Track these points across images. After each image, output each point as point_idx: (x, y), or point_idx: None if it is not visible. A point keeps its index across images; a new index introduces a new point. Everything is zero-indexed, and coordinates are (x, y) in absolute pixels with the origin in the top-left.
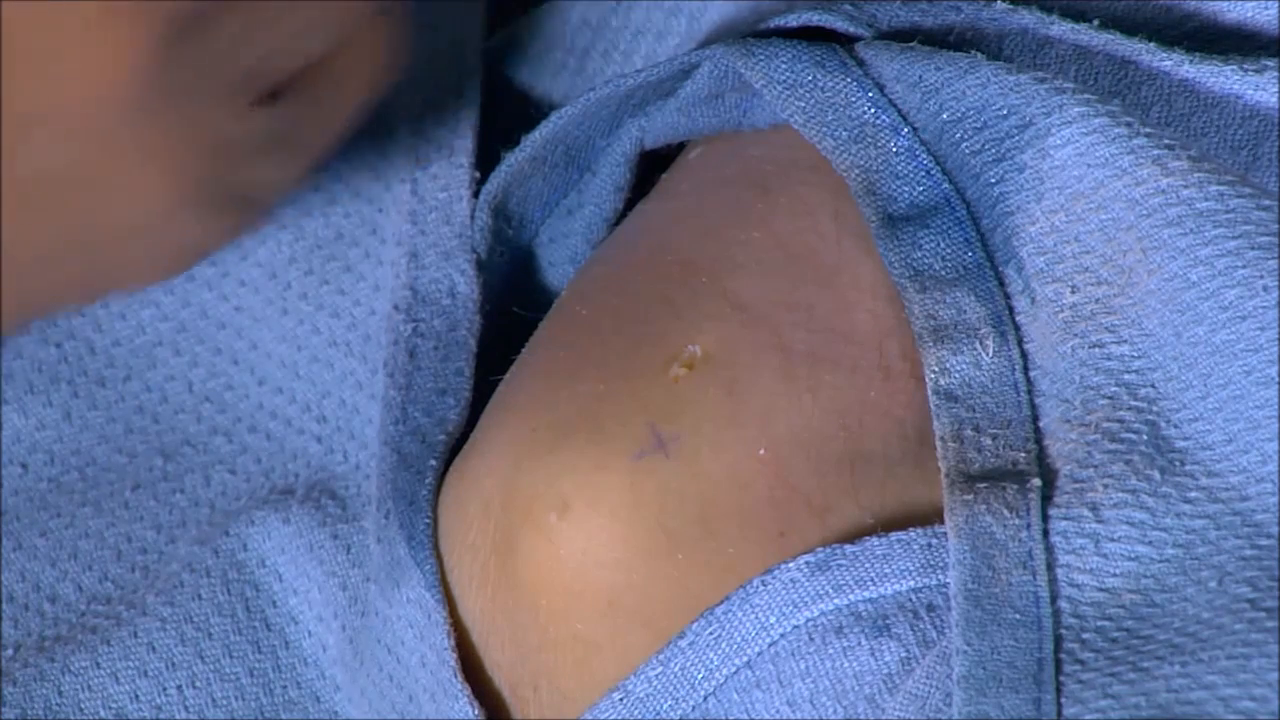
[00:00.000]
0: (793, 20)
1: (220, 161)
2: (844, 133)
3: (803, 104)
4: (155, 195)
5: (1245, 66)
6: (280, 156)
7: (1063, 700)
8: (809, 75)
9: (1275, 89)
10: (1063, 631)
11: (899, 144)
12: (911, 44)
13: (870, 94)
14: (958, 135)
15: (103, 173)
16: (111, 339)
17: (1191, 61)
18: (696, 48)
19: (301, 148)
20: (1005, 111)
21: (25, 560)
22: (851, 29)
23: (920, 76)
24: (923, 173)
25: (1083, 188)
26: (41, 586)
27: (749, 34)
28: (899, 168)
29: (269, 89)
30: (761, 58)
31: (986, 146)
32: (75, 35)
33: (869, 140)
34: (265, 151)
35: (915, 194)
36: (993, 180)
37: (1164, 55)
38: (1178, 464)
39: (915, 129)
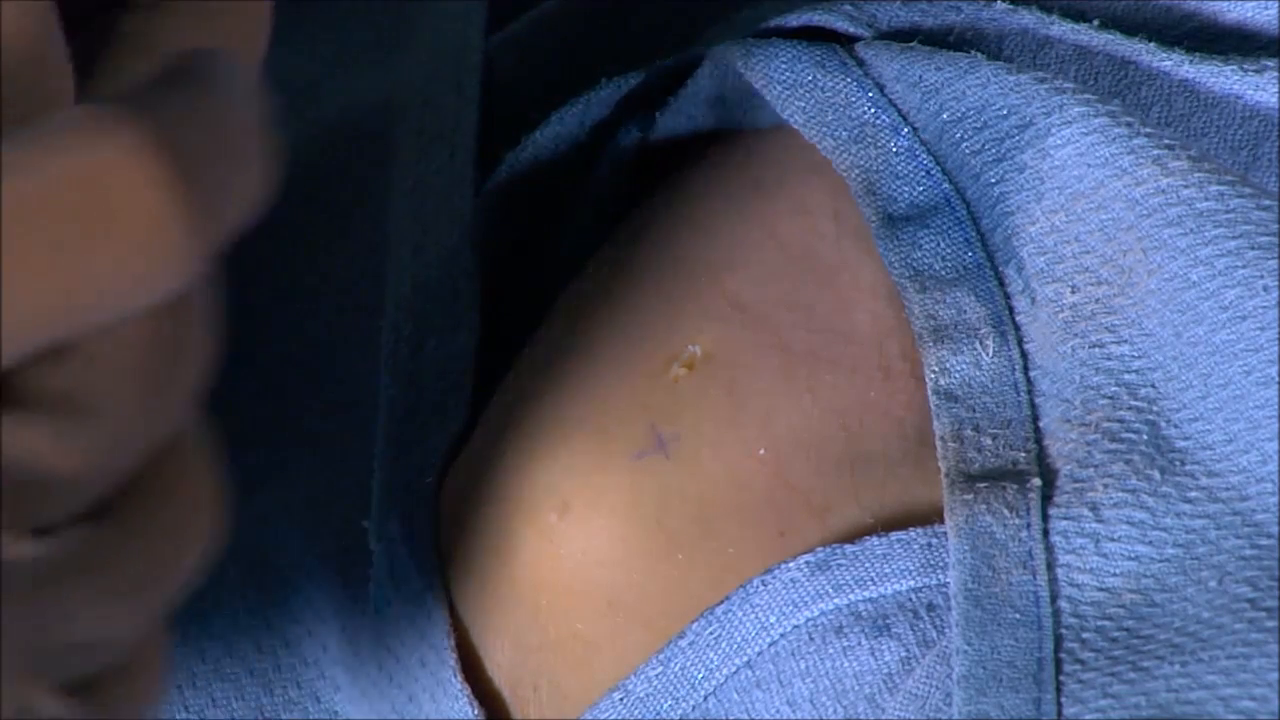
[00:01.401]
0: (793, 20)
1: None
2: (844, 133)
3: (803, 104)
4: None
5: (1245, 66)
6: None
7: (1063, 700)
8: (809, 75)
9: (1275, 89)
10: (1063, 631)
11: (899, 144)
12: (911, 44)
13: (870, 94)
14: (958, 135)
15: None
16: None
17: (1191, 61)
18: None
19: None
20: (1005, 111)
21: None
22: (851, 29)
23: (920, 76)
24: (923, 173)
25: (1083, 188)
26: None
27: (749, 34)
28: (899, 168)
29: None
30: (761, 58)
31: (986, 146)
32: None
33: (869, 140)
34: None
35: (915, 194)
36: (993, 180)
37: (1164, 55)
38: (1178, 464)
39: (915, 129)
